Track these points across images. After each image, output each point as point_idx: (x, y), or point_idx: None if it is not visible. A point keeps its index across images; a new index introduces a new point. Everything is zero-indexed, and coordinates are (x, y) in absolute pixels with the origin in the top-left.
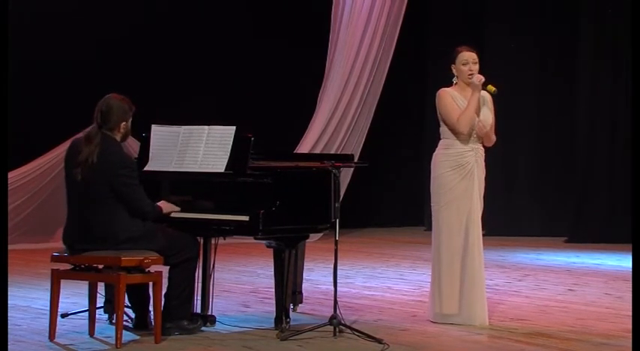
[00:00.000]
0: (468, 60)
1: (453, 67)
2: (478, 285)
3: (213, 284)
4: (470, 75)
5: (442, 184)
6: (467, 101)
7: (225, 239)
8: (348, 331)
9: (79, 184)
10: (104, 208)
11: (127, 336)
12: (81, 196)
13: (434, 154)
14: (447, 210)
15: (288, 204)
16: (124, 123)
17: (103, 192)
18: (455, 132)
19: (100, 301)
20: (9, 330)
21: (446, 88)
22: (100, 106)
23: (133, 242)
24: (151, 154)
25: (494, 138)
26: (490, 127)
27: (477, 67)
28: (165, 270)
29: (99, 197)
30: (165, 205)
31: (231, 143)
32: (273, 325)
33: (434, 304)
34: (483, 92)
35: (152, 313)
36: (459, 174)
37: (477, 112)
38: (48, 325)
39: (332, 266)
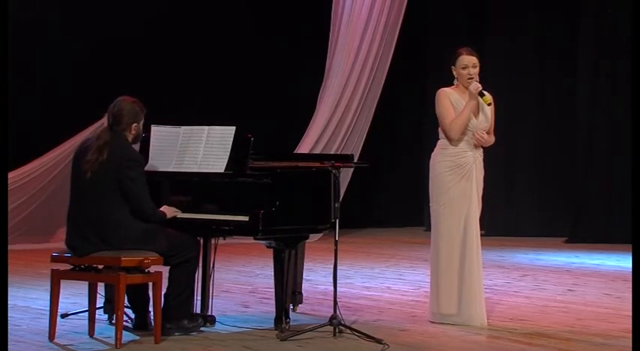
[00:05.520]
0: (467, 64)
1: (453, 68)
2: (476, 285)
3: (213, 284)
4: (469, 79)
5: (441, 184)
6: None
7: (225, 239)
8: (348, 331)
9: (87, 182)
10: (108, 205)
11: (127, 336)
12: (87, 194)
13: (432, 154)
14: (445, 210)
15: (287, 204)
16: (134, 124)
17: (109, 188)
18: (446, 135)
19: (100, 302)
20: (9, 330)
21: (445, 89)
22: (112, 108)
23: (133, 242)
24: (150, 155)
25: (492, 140)
26: (489, 131)
27: (476, 70)
28: (165, 270)
29: (105, 193)
30: (168, 210)
31: (230, 143)
32: (273, 325)
33: (432, 304)
34: None
35: (152, 313)
36: (457, 174)
37: (476, 116)
38: (48, 325)
39: (332, 266)
